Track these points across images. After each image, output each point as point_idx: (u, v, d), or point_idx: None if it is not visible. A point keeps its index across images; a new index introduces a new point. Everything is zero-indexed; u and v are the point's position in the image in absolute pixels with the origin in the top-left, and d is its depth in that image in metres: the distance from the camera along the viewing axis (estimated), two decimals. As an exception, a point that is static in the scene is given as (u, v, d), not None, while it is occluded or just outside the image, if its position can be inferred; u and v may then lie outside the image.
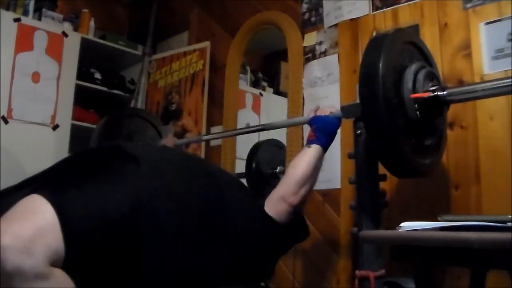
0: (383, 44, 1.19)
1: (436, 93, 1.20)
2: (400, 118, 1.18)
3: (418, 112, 1.19)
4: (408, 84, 1.19)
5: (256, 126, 1.89)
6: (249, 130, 2.02)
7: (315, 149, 1.35)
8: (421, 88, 1.20)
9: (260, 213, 1.29)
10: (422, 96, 1.19)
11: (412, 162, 1.22)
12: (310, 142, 1.38)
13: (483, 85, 1.22)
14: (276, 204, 1.29)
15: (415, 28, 1.83)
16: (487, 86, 1.19)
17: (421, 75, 1.21)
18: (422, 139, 1.30)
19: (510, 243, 0.79)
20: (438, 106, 1.23)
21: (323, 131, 1.40)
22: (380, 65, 1.15)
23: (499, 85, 1.15)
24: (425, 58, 1.39)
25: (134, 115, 2.51)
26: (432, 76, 1.25)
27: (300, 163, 1.33)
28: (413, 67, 1.22)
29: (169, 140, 2.08)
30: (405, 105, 1.18)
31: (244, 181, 1.94)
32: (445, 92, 1.20)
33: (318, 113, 1.45)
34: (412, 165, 1.23)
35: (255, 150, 2.25)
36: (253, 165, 2.11)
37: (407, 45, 1.31)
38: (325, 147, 1.38)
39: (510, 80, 1.12)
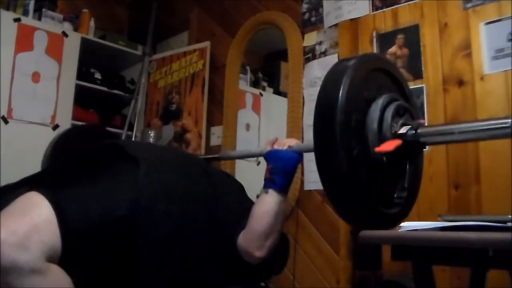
0: (343, 78, 0.99)
1: (407, 138, 1.03)
2: (363, 169, 1.00)
3: (385, 158, 1.01)
4: (373, 125, 1.01)
5: (213, 155, 1.88)
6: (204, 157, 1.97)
7: (273, 196, 1.23)
8: (388, 130, 1.02)
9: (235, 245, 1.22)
10: (387, 150, 0.99)
11: (379, 216, 1.07)
12: (266, 185, 1.25)
13: (461, 126, 1.04)
14: (243, 254, 1.22)
15: (415, 28, 1.83)
16: (466, 127, 1.03)
17: (389, 113, 1.03)
18: (391, 187, 1.14)
19: (510, 243, 0.79)
20: (410, 148, 1.05)
21: (280, 171, 1.25)
22: (338, 107, 0.96)
23: (481, 128, 0.99)
24: (398, 85, 1.20)
25: (92, 131, 2.33)
26: (404, 110, 1.08)
27: (261, 215, 1.21)
28: (379, 103, 1.04)
29: None
30: (370, 153, 1.01)
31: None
32: (416, 134, 1.03)
33: (275, 146, 1.32)
34: (379, 219, 1.08)
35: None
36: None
37: (374, 74, 1.12)
38: (283, 189, 1.25)
39: (492, 122, 0.97)
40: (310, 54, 2.23)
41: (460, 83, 1.68)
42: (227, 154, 1.71)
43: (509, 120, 0.91)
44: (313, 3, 2.27)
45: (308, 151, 1.29)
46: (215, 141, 2.62)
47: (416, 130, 1.03)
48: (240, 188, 1.43)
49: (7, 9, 2.59)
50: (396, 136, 1.03)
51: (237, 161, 2.47)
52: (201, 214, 1.18)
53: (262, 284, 1.90)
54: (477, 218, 1.00)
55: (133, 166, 1.10)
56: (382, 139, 1.02)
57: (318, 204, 2.07)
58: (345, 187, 0.98)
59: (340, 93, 0.97)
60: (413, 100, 1.25)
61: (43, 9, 2.72)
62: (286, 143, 1.32)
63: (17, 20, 2.53)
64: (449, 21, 1.75)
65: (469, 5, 1.69)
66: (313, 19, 2.26)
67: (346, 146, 0.96)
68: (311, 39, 2.25)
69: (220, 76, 2.65)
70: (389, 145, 0.99)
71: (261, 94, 2.76)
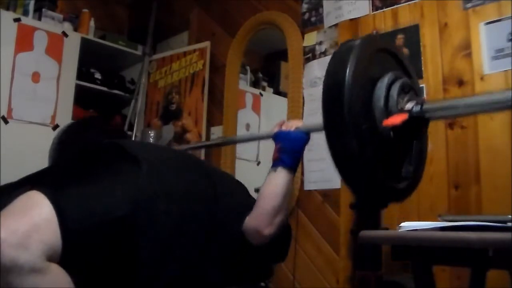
0: (350, 57, 1.02)
1: (412, 112, 1.05)
2: (372, 144, 1.03)
3: (392, 133, 1.04)
4: (380, 102, 1.05)
5: (216, 139, 1.86)
6: (208, 144, 2.11)
7: (281, 174, 1.26)
8: (395, 106, 1.05)
9: (241, 236, 1.25)
10: (395, 123, 1.03)
11: (387, 190, 1.11)
12: (275, 164, 1.29)
13: (465, 101, 1.10)
14: (251, 235, 1.24)
15: (415, 28, 1.83)
16: (470, 102, 1.08)
17: (394, 90, 1.06)
18: (398, 162, 1.18)
19: (510, 243, 0.79)
20: (416, 124, 1.09)
21: (287, 150, 1.29)
22: (346, 85, 0.99)
23: (483, 102, 1.04)
24: (401, 65, 1.24)
25: (95, 126, 2.30)
26: (408, 88, 1.11)
27: (269, 193, 1.25)
28: (385, 80, 1.07)
29: None
30: (377, 128, 1.04)
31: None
32: (422, 109, 1.06)
33: (283, 128, 1.35)
34: (388, 194, 1.13)
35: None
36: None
37: (378, 54, 1.16)
38: (291, 167, 1.28)
39: (494, 96, 1.02)
40: (310, 54, 2.23)
41: (460, 83, 1.68)
42: (233, 139, 1.67)
43: (510, 93, 0.95)
44: (313, 3, 2.27)
45: (315, 130, 1.32)
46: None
47: (421, 105, 1.06)
48: (240, 187, 1.43)
49: (7, 9, 2.59)
50: (402, 111, 1.05)
51: (237, 161, 2.47)
52: (201, 214, 1.18)
53: (262, 284, 1.90)
54: (477, 218, 1.00)
55: (133, 166, 1.10)
56: (388, 115, 1.05)
57: (318, 204, 2.07)
58: (355, 162, 1.01)
59: (347, 71, 1.00)
60: (415, 79, 1.28)
61: (43, 9, 2.72)
62: (293, 124, 1.35)
63: (17, 20, 2.53)
64: (449, 21, 1.75)
65: (469, 5, 1.69)
66: (313, 19, 2.26)
67: (354, 123, 0.99)
68: (311, 39, 2.25)
69: (220, 76, 2.65)
70: (396, 119, 1.02)
71: (261, 94, 2.76)
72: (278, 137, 1.33)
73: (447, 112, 1.11)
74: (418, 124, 1.09)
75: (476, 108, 1.07)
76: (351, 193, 1.19)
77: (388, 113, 1.05)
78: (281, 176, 1.26)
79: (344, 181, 1.12)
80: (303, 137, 1.32)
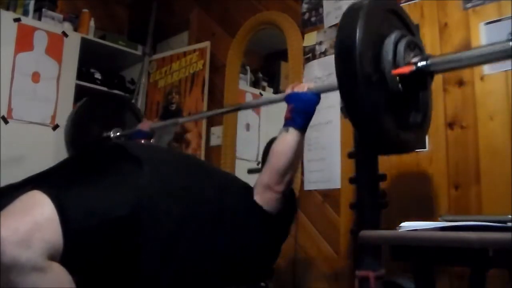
0: (360, 14, 1.09)
1: (419, 65, 1.12)
2: (381, 94, 1.11)
3: (400, 85, 1.12)
4: (388, 56, 1.12)
5: (231, 106, 1.91)
6: (223, 111, 2.16)
7: (293, 134, 1.31)
8: (402, 60, 1.13)
9: (254, 206, 1.30)
10: (403, 72, 1.11)
11: (396, 139, 1.18)
12: (287, 123, 1.34)
13: (468, 53, 1.17)
14: (262, 194, 1.30)
15: (415, 28, 1.83)
16: (472, 54, 1.15)
17: (401, 46, 1.14)
18: (406, 113, 1.25)
19: (510, 243, 0.79)
20: (422, 77, 1.15)
21: (299, 110, 1.34)
22: (357, 38, 1.06)
23: (484, 53, 1.11)
24: (406, 25, 1.31)
25: (111, 100, 2.57)
26: (414, 45, 1.18)
27: (281, 151, 1.31)
28: (392, 37, 1.14)
29: (145, 124, 2.09)
30: (386, 80, 1.11)
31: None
32: (428, 63, 1.12)
33: (296, 89, 1.40)
34: (397, 142, 1.19)
35: (269, 146, 2.25)
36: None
37: (385, 14, 1.23)
38: (303, 127, 1.34)
39: (495, 47, 1.08)
40: (310, 54, 2.24)
41: (460, 83, 1.68)
42: (248, 104, 1.72)
43: (510, 44, 1.02)
44: (313, 3, 2.27)
45: (326, 91, 1.39)
46: (215, 141, 2.61)
47: (427, 59, 1.13)
48: (243, 187, 1.43)
49: (7, 9, 2.59)
50: (409, 65, 1.13)
51: (237, 161, 2.47)
52: (201, 214, 1.18)
53: (262, 284, 1.90)
54: (477, 218, 1.01)
55: (135, 166, 1.11)
56: (396, 68, 1.12)
57: (318, 204, 2.07)
58: (366, 112, 1.08)
59: (358, 27, 1.07)
60: (419, 39, 1.34)
61: (43, 9, 2.73)
62: (305, 86, 1.40)
63: (17, 20, 2.53)
64: (449, 21, 1.75)
65: (469, 5, 1.70)
66: (313, 19, 2.26)
67: (365, 75, 1.06)
68: (311, 39, 2.25)
69: (220, 76, 2.65)
70: (405, 69, 1.11)
71: (261, 94, 2.76)
72: (291, 98, 1.38)
73: (451, 64, 1.16)
74: (424, 77, 1.16)
75: (478, 59, 1.13)
76: (363, 141, 1.28)
77: (396, 66, 1.12)
78: (292, 136, 1.31)
79: (357, 130, 1.21)
80: (314, 98, 1.37)
